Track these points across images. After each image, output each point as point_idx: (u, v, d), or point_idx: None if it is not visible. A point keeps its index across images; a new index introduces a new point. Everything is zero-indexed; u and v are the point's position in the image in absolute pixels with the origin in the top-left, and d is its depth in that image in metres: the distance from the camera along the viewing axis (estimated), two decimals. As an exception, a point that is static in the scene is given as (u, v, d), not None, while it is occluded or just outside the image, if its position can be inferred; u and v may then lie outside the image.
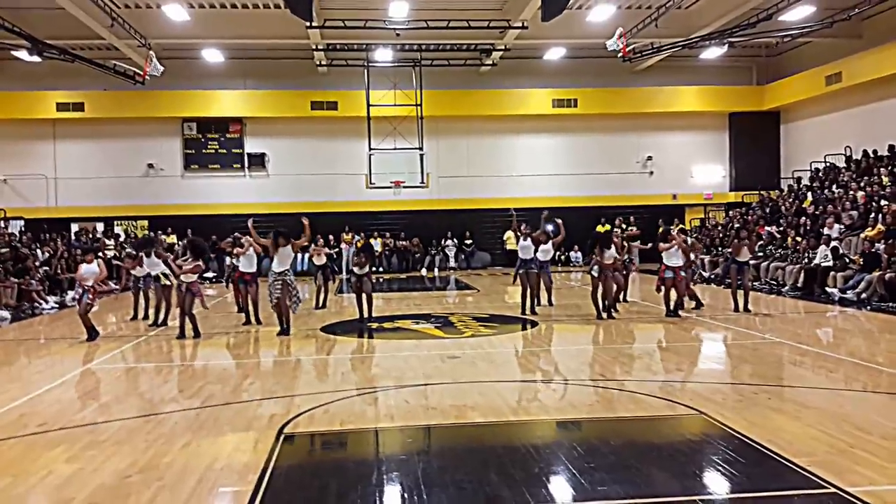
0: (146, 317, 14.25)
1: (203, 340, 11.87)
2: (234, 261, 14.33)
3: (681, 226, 23.06)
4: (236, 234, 16.10)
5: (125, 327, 13.78)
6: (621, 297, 14.89)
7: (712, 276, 20.19)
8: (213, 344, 11.66)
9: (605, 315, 13.21)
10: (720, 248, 21.80)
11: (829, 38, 23.10)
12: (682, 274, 13.34)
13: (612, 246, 13.40)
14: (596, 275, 13.17)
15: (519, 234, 14.18)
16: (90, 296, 11.84)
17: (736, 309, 13.75)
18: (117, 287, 18.77)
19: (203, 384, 8.58)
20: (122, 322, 14.44)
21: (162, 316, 13.58)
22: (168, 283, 13.32)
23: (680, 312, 13.38)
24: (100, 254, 21.52)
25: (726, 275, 15.45)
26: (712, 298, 16.11)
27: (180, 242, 22.31)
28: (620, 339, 11.55)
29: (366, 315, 13.48)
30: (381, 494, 4.99)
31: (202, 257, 12.26)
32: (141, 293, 14.49)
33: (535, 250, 13.98)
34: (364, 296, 13.42)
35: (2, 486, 5.26)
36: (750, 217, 23.97)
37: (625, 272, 14.86)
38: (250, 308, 13.70)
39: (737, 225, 21.14)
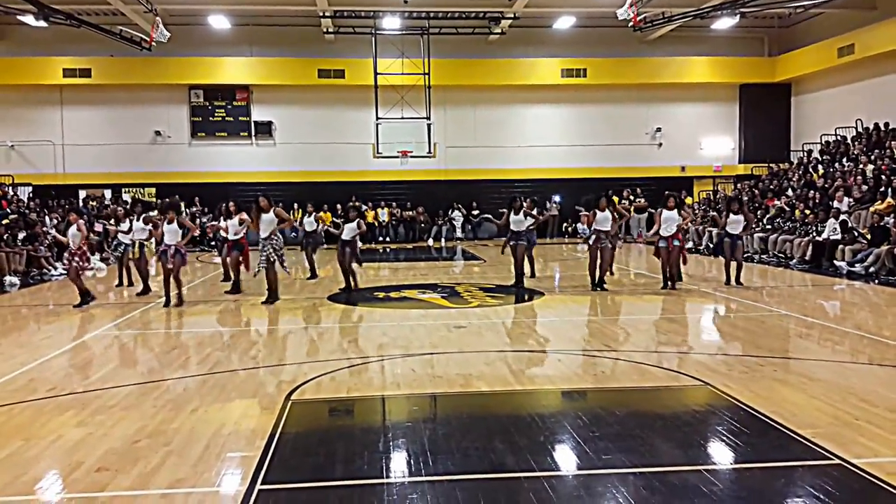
0: (131, 284, 14.61)
1: (209, 308, 11.95)
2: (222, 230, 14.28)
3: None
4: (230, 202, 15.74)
5: (128, 295, 13.85)
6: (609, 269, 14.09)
7: (706, 248, 20.10)
8: (220, 311, 11.72)
9: (597, 287, 13.11)
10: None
11: (843, 9, 22.80)
12: (675, 243, 13.09)
13: (605, 210, 13.03)
14: (591, 243, 13.05)
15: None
16: (77, 259, 11.98)
17: (728, 282, 13.63)
18: (103, 265, 18.08)
19: (210, 351, 8.64)
20: (126, 290, 14.51)
21: (142, 285, 13.71)
22: (145, 249, 13.75)
23: (675, 284, 13.28)
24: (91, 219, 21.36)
25: (718, 247, 15.08)
26: (712, 271, 16.06)
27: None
28: (626, 310, 11.58)
29: (352, 286, 13.52)
30: (388, 460, 5.03)
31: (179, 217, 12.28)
32: (123, 260, 14.77)
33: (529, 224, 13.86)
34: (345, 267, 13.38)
35: (13, 449, 5.32)
36: (752, 188, 23.75)
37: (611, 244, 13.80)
38: (235, 275, 13.69)
39: (728, 195, 20.32)
